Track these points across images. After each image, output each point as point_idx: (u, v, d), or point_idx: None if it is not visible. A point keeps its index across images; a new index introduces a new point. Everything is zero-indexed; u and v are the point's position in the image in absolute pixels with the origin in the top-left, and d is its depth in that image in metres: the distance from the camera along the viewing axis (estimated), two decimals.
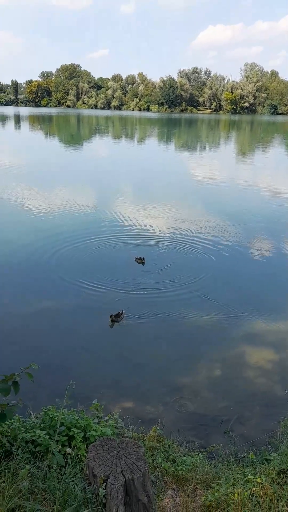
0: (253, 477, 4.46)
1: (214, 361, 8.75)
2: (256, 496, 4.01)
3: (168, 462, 4.97)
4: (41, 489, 3.56)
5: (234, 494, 4.06)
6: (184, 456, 5.30)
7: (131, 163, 38.01)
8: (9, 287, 11.80)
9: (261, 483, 4.23)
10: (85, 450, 4.33)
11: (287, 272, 13.66)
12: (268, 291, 12.26)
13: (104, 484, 2.92)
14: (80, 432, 4.49)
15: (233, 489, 4.21)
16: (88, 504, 3.02)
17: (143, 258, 13.52)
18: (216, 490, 4.31)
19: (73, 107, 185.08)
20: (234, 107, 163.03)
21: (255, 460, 5.13)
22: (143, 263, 13.37)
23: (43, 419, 4.66)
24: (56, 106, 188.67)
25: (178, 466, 4.86)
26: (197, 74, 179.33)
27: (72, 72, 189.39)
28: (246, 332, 9.88)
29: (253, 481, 4.34)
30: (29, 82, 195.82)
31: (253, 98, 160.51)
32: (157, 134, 74.78)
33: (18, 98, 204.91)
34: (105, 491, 2.89)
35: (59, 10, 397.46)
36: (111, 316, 9.81)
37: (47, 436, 4.29)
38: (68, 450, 3.97)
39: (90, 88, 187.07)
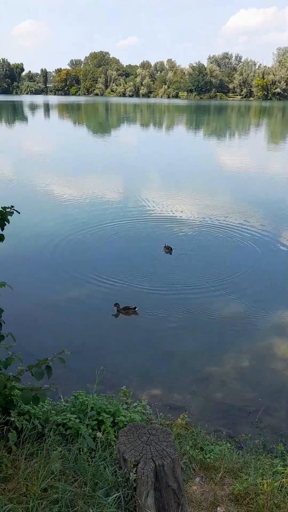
0: (282, 468, 4.43)
1: (242, 352, 8.68)
2: (286, 488, 3.97)
3: (196, 450, 4.99)
4: (72, 471, 3.64)
5: (263, 485, 4.04)
6: (212, 444, 5.31)
7: (159, 151, 37.74)
8: (41, 274, 12.03)
9: None
10: (114, 435, 4.40)
11: None
12: None
13: (135, 469, 2.96)
14: (109, 417, 4.55)
15: (262, 480, 4.19)
16: (119, 488, 3.07)
17: (171, 248, 13.44)
18: (245, 479, 4.30)
19: (102, 95, 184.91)
20: (266, 93, 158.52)
21: (284, 452, 5.08)
22: (171, 253, 13.32)
23: (73, 403, 4.75)
24: (84, 94, 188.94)
25: (206, 454, 4.87)
26: (227, 60, 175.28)
27: (100, 60, 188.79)
28: (274, 323, 9.74)
29: (283, 472, 4.31)
30: (58, 70, 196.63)
31: (285, 83, 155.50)
32: (185, 122, 73.84)
33: (48, 86, 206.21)
34: (136, 476, 2.93)
35: None
36: (116, 304, 9.75)
37: (78, 420, 4.37)
38: (99, 434, 4.03)
39: (118, 75, 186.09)
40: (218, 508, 3.91)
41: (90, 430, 4.28)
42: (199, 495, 4.16)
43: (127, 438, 3.25)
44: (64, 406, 4.80)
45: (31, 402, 3.37)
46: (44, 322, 9.68)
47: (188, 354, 8.59)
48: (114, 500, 3.04)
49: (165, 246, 13.53)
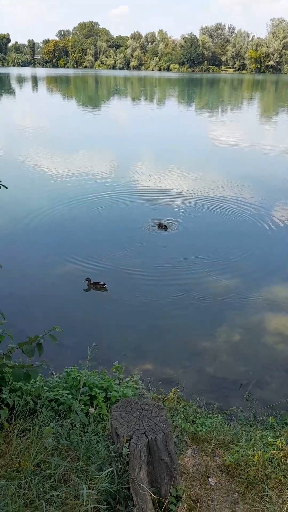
0: (273, 440, 4.49)
1: (234, 326, 8.74)
2: (276, 459, 4.04)
3: (188, 423, 5.04)
4: (65, 446, 3.65)
5: (254, 456, 4.10)
6: (204, 417, 5.37)
7: (150, 126, 37.09)
8: (31, 251, 11.91)
9: (281, 446, 4.26)
10: (106, 410, 4.42)
11: None
12: None
13: (128, 443, 2.96)
14: (101, 392, 4.56)
15: (253, 451, 4.25)
16: (112, 462, 3.08)
17: (166, 226, 13.26)
18: (236, 451, 4.36)
19: (91, 67, 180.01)
20: (259, 66, 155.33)
21: (274, 424, 5.16)
22: (165, 231, 13.16)
23: (65, 379, 4.75)
24: (73, 66, 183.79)
25: (198, 427, 4.93)
26: (220, 31, 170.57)
27: (90, 31, 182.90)
28: (266, 298, 9.79)
29: (273, 444, 4.37)
30: (46, 41, 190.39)
31: (279, 56, 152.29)
32: (177, 96, 72.46)
33: (35, 58, 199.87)
34: (129, 450, 2.93)
35: None
36: (87, 279, 9.83)
37: (70, 396, 4.37)
38: (91, 409, 4.04)
39: (108, 47, 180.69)
40: (210, 479, 3.97)
41: (83, 405, 4.29)
42: (191, 467, 4.22)
43: (119, 414, 3.24)
44: (56, 382, 4.80)
45: (22, 379, 3.35)
46: (34, 299, 9.62)
47: (181, 329, 8.63)
48: (107, 475, 3.05)
49: (159, 224, 13.37)
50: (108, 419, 3.56)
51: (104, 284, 9.88)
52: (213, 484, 3.89)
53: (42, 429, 3.82)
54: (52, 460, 3.24)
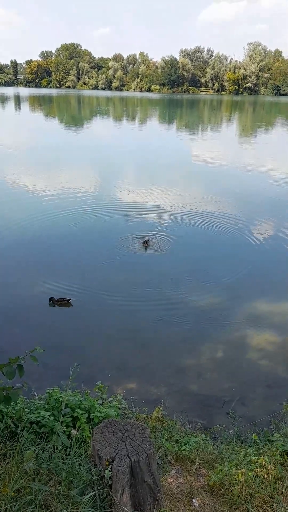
0: (256, 457, 4.49)
1: (217, 342, 8.77)
2: (259, 477, 4.03)
3: (172, 443, 5.00)
4: (46, 470, 3.58)
5: (237, 475, 4.08)
6: (187, 436, 5.34)
7: (132, 145, 37.55)
8: (8, 267, 11.77)
9: (265, 464, 4.26)
10: (89, 431, 4.35)
11: None
12: (270, 273, 12.22)
13: (110, 466, 2.93)
14: (84, 413, 4.50)
15: (237, 469, 4.24)
16: (94, 486, 3.03)
17: (147, 242, 13.27)
18: (220, 470, 4.34)
19: (74, 87, 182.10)
20: (237, 88, 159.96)
21: (258, 441, 5.15)
22: (146, 247, 13.18)
23: (47, 401, 4.67)
24: (56, 86, 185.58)
25: (182, 447, 4.89)
26: (199, 54, 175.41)
27: (72, 52, 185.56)
28: (249, 313, 9.88)
29: (257, 462, 4.37)
30: (29, 62, 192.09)
31: (256, 78, 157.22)
32: (158, 115, 73.74)
33: (18, 78, 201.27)
34: (111, 473, 2.90)
35: None
36: (50, 298, 9.89)
37: (52, 417, 4.30)
38: (73, 431, 3.98)
39: (90, 68, 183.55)
40: (194, 500, 3.93)
41: (65, 427, 4.22)
42: (174, 487, 4.17)
43: (102, 435, 3.21)
44: (38, 403, 4.72)
45: (2, 402, 3.28)
46: (14, 317, 9.48)
47: (164, 345, 8.61)
48: (89, 499, 3.00)
49: (144, 242, 13.30)
50: (91, 441, 3.52)
51: (69, 299, 9.94)
52: (197, 505, 3.85)
53: (23, 452, 3.75)
54: (33, 485, 3.17)
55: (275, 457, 4.38)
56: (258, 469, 4.16)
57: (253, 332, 9.18)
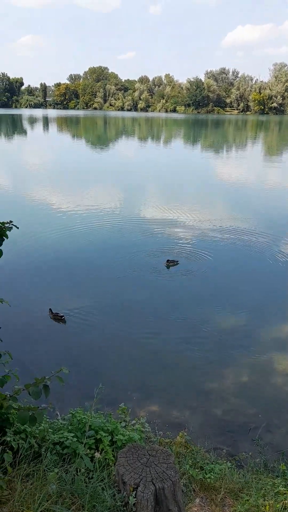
0: (284, 488, 4.33)
1: (242, 366, 8.58)
2: None
3: (196, 470, 4.87)
4: (69, 493, 3.54)
5: (265, 506, 3.94)
6: (212, 463, 5.19)
7: (158, 165, 37.94)
8: (35, 288, 11.94)
9: None
10: (112, 454, 4.30)
11: None
12: None
13: (134, 492, 2.87)
14: (107, 436, 4.45)
15: (264, 501, 4.09)
16: None
17: (175, 261, 13.26)
18: (246, 500, 4.20)
19: (100, 109, 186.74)
20: (262, 108, 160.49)
21: (286, 471, 4.97)
22: (168, 266, 13.15)
23: (70, 421, 4.65)
24: (83, 108, 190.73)
25: (206, 474, 4.76)
26: (224, 75, 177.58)
27: (99, 75, 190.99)
28: (275, 337, 9.66)
29: (285, 493, 4.21)
30: (58, 85, 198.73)
31: (281, 98, 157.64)
32: (183, 135, 74.47)
33: (47, 100, 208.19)
34: (135, 500, 2.84)
35: (88, 13, 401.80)
36: (50, 309, 10.12)
37: (75, 439, 4.27)
38: (97, 454, 3.94)
39: (117, 90, 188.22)
40: None
41: (88, 449, 4.18)
42: None
43: (126, 460, 3.17)
44: (61, 424, 4.70)
45: (28, 422, 3.29)
46: (39, 336, 9.56)
47: (188, 368, 8.49)
48: None
49: (167, 261, 13.28)
50: (114, 465, 3.47)
51: (63, 316, 10.03)
52: None
53: (46, 474, 3.72)
54: (56, 509, 3.14)
55: None
56: (286, 501, 4.01)
57: (279, 356, 8.95)
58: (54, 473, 3.64)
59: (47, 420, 4.70)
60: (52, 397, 4.55)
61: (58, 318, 10.00)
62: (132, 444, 3.35)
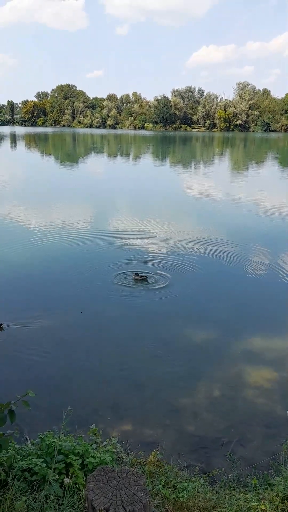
0: (256, 503, 4.33)
1: (214, 380, 8.62)
2: None
3: (169, 489, 4.82)
4: None
5: None
6: (185, 481, 5.15)
7: (126, 180, 38.21)
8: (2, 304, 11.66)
9: (265, 510, 4.11)
10: (83, 478, 4.19)
11: (285, 288, 13.60)
12: (266, 308, 12.19)
13: None
14: (78, 459, 4.35)
15: None
16: None
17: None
18: None
19: (69, 126, 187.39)
20: (228, 125, 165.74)
21: (258, 485, 4.99)
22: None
23: (40, 446, 4.53)
24: (51, 125, 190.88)
25: (179, 493, 4.71)
26: (190, 93, 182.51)
27: (67, 92, 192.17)
28: (245, 350, 9.78)
29: (257, 508, 4.21)
30: (25, 102, 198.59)
31: (246, 116, 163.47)
32: (152, 152, 75.52)
33: (14, 118, 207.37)
34: None
35: (56, 32, 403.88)
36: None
37: (44, 464, 4.15)
38: (66, 480, 3.84)
39: (85, 107, 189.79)
40: None
41: (58, 475, 4.07)
42: None
43: (95, 484, 3.09)
44: (30, 449, 4.57)
45: None
46: (4, 358, 9.29)
47: (159, 385, 8.43)
48: None
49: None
50: (84, 489, 3.38)
51: (1, 324, 10.05)
52: None
53: (14, 503, 3.59)
54: None
55: (275, 503, 4.24)
56: None
57: (250, 369, 9.05)
58: (22, 502, 3.52)
59: (15, 445, 4.55)
60: (21, 421, 4.42)
61: None
62: (102, 467, 3.28)
